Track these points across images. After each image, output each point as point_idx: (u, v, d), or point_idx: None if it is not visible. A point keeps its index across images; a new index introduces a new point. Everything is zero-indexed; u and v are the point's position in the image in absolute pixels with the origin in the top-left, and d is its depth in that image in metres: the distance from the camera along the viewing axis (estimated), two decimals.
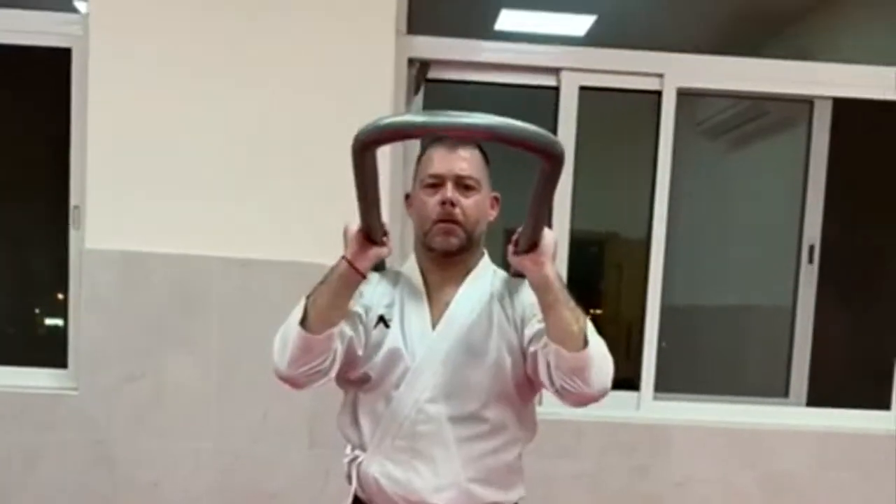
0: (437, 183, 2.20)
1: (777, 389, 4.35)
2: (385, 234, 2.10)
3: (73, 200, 3.88)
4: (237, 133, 3.76)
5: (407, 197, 2.34)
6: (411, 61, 3.98)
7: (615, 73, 4.03)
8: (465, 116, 1.65)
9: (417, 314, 2.23)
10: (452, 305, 2.23)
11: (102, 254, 3.76)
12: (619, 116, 4.41)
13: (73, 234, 3.89)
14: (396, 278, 2.30)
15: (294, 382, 2.12)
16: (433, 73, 4.03)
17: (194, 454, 3.85)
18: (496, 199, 2.31)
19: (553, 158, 1.73)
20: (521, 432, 2.30)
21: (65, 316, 3.96)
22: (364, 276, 2.09)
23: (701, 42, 4.35)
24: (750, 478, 4.07)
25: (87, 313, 3.82)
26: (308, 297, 2.07)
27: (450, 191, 2.17)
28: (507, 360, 2.20)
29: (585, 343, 1.99)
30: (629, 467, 4.04)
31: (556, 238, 2.07)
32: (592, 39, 4.82)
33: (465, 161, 2.21)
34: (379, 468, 2.22)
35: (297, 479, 3.86)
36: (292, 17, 3.76)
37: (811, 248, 4.23)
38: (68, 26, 3.88)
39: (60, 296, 4.01)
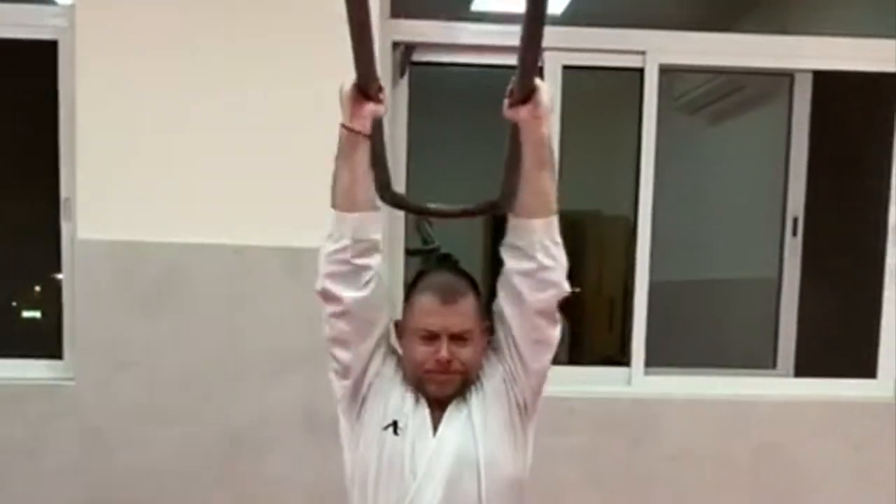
0: (430, 336, 2.16)
1: (764, 361, 4.41)
2: (380, 89, 2.05)
3: (64, 192, 3.89)
4: (225, 120, 3.77)
5: (396, 326, 2.29)
6: (395, 44, 4.00)
7: (598, 51, 4.06)
8: None
9: (420, 426, 2.19)
10: (444, 421, 2.20)
11: (95, 244, 3.77)
12: (597, 94, 4.44)
13: (64, 226, 3.90)
14: (404, 380, 2.25)
15: (328, 269, 2.10)
16: (417, 56, 4.05)
17: (192, 441, 3.87)
18: (488, 327, 2.27)
19: None
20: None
21: (59, 307, 3.97)
22: (365, 136, 2.07)
23: (677, 18, 4.38)
24: (742, 449, 4.12)
25: (81, 304, 3.83)
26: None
27: (444, 349, 2.14)
28: (500, 450, 2.19)
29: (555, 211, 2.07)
30: (622, 442, 4.09)
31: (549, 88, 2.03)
32: (570, 18, 4.83)
33: (460, 316, 2.17)
34: None
35: (295, 464, 3.88)
36: (277, 3, 3.79)
37: (795, 221, 4.29)
38: (54, 18, 3.89)
39: (53, 287, 4.02)
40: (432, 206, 2.56)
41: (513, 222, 2.11)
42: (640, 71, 4.09)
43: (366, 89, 2.01)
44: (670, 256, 4.37)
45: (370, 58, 1.90)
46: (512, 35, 4.05)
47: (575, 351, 4.13)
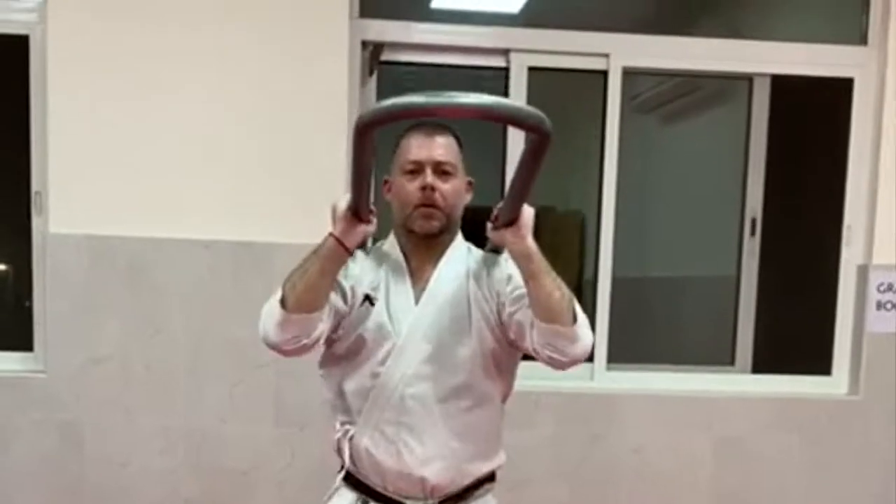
0: (416, 169, 2.26)
1: (723, 358, 4.48)
2: (371, 211, 2.15)
3: (35, 186, 3.90)
4: (197, 117, 3.83)
5: (385, 182, 2.38)
6: (364, 44, 4.04)
7: (562, 53, 4.13)
8: (462, 97, 1.74)
9: (401, 291, 2.30)
10: (432, 282, 2.31)
11: (67, 238, 3.80)
12: (549, 94, 4.49)
13: (35, 220, 3.91)
14: (379, 258, 2.36)
15: (280, 351, 2.16)
16: (386, 56, 4.10)
17: (162, 434, 3.91)
18: (470, 183, 2.37)
19: (542, 134, 1.79)
20: (501, 399, 2.40)
21: (29, 300, 3.99)
22: (351, 253, 2.16)
23: (631, 18, 4.43)
24: (702, 443, 4.22)
25: (52, 297, 3.86)
26: (290, 275, 2.12)
27: (429, 176, 2.24)
28: (487, 334, 2.28)
29: (574, 318, 2.08)
30: (585, 436, 4.17)
31: (534, 212, 2.14)
32: (527, 16, 4.82)
33: (443, 147, 2.27)
34: (369, 441, 2.28)
35: (263, 456, 3.95)
36: (250, 3, 3.84)
37: (753, 222, 4.38)
38: (25, 14, 3.89)
39: (24, 281, 4.03)
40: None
41: (535, 323, 2.13)
42: (603, 73, 4.17)
43: (359, 213, 2.11)
44: (629, 253, 4.42)
45: (367, 193, 2.06)
46: (477, 36, 4.15)
47: None
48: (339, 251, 2.11)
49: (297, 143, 3.82)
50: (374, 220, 2.18)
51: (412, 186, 2.26)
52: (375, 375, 2.26)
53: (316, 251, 2.12)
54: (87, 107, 3.80)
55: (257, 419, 3.93)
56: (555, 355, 2.10)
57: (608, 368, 4.29)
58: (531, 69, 4.12)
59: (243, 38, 3.83)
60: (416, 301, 2.30)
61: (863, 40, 4.26)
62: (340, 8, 3.87)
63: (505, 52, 4.12)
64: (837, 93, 4.26)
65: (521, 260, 2.11)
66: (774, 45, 4.29)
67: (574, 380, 4.22)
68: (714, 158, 4.82)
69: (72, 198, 3.81)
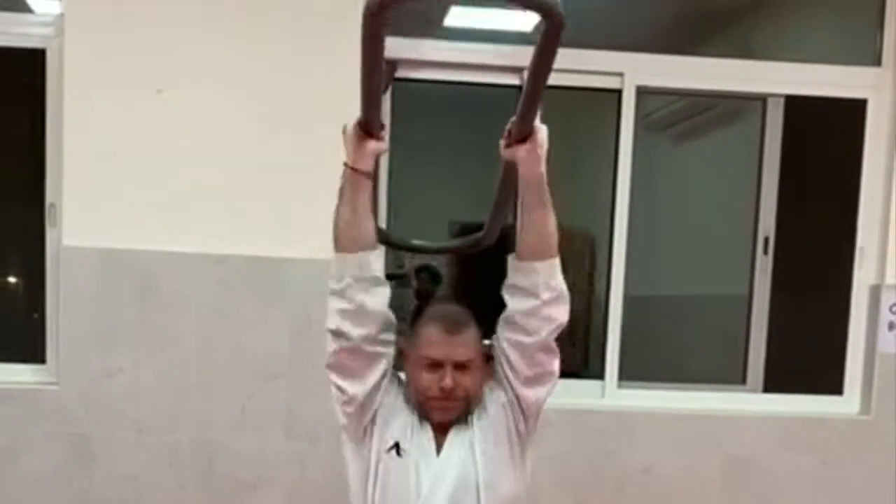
0: (435, 365, 2.20)
1: (734, 377, 4.48)
2: (382, 127, 2.10)
3: (49, 198, 3.92)
4: (212, 131, 3.84)
5: (401, 352, 2.31)
6: None
7: (577, 72, 4.13)
8: None
9: (423, 447, 2.24)
10: (451, 435, 2.26)
11: (80, 251, 3.81)
12: (557, 112, 4.52)
13: (49, 232, 3.92)
14: (406, 399, 2.30)
15: (335, 306, 2.13)
16: (400, 73, 4.11)
17: (173, 447, 3.91)
18: (488, 358, 2.31)
19: (553, 16, 1.70)
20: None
21: (42, 312, 3.99)
22: (369, 175, 2.11)
23: (647, 37, 4.45)
24: (712, 462, 4.21)
25: (65, 309, 3.86)
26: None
27: (448, 377, 2.18)
28: (499, 472, 2.25)
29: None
30: (595, 454, 4.16)
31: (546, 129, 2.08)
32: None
33: (463, 347, 2.21)
34: None
35: (274, 470, 3.94)
36: (265, 22, 3.85)
37: (766, 240, 4.38)
38: (42, 28, 3.92)
39: (35, 293, 4.05)
40: (416, 242, 2.66)
41: (515, 264, 2.15)
42: (617, 92, 4.19)
43: (369, 129, 2.07)
44: (641, 271, 4.43)
45: (378, 101, 2.00)
46: (492, 54, 4.16)
47: None
48: (354, 177, 2.09)
49: (312, 162, 3.82)
50: (386, 138, 2.14)
51: (430, 379, 2.21)
52: None
53: (340, 187, 2.12)
54: (102, 120, 3.81)
55: (268, 433, 3.92)
56: (549, 294, 2.12)
57: (619, 386, 4.29)
58: (546, 87, 4.11)
59: (260, 59, 3.85)
60: (437, 452, 2.25)
61: (877, 61, 4.28)
62: (354, 26, 3.87)
63: (518, 70, 4.11)
64: (851, 113, 4.27)
65: (532, 186, 2.09)
66: (788, 65, 4.30)
67: (585, 397, 4.25)
68: (727, 177, 4.83)
69: (86, 210, 3.83)
